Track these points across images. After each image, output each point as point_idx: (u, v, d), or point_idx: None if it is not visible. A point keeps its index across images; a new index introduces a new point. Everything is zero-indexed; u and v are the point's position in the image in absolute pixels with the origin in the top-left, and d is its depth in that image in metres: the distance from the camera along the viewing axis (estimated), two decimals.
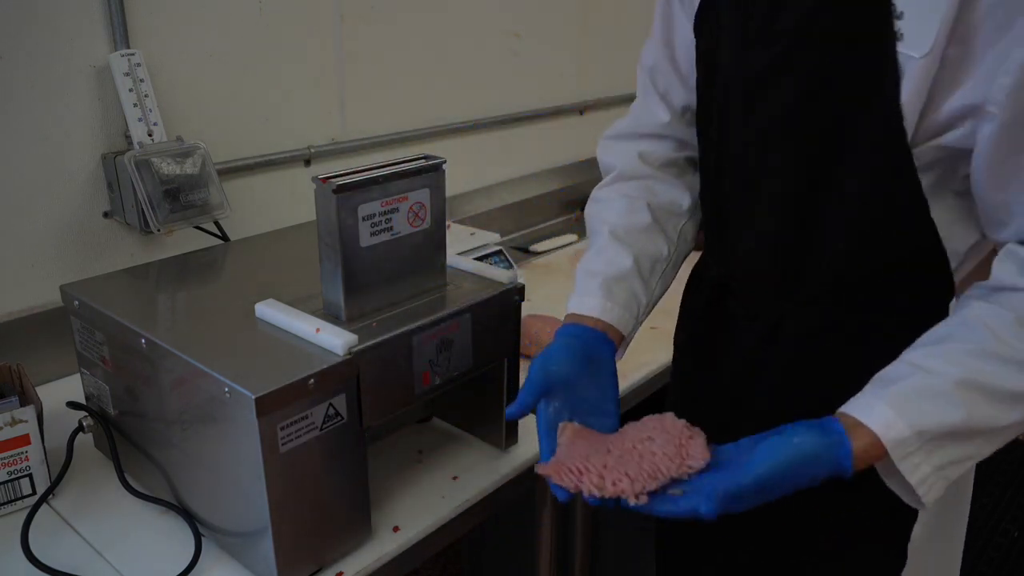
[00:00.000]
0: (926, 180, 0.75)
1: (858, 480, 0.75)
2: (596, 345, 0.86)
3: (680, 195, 0.99)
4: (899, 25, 0.70)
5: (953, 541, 0.97)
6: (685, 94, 0.97)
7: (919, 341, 0.74)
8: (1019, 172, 0.70)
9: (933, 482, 0.69)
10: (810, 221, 0.81)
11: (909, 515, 0.84)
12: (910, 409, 0.68)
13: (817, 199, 0.80)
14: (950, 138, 0.72)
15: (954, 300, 0.82)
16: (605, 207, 0.99)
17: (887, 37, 0.70)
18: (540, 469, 0.77)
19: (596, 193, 1.02)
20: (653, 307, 0.97)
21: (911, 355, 0.72)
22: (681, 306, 1.05)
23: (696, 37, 0.89)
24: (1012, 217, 0.73)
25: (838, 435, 0.68)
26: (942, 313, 0.80)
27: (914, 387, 0.69)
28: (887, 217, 0.77)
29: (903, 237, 0.78)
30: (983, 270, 0.79)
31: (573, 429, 0.80)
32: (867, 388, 0.72)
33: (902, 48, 0.70)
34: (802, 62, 0.77)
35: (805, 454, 0.68)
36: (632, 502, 0.70)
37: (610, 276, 0.91)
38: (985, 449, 0.70)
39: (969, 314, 0.72)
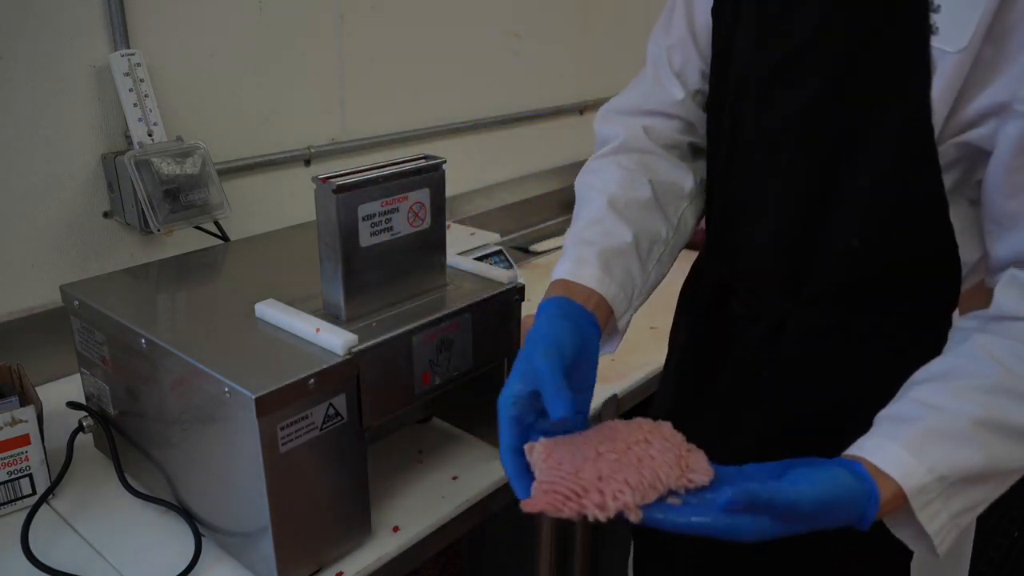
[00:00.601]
0: (946, 182, 0.74)
1: None
2: (589, 330, 0.77)
3: (683, 176, 0.93)
4: (934, 19, 0.69)
5: (960, 556, 0.94)
6: (701, 75, 0.94)
7: (920, 376, 0.70)
8: None
9: (949, 531, 0.65)
10: (819, 220, 0.80)
11: None
12: (929, 452, 0.63)
13: (829, 197, 0.78)
14: (974, 135, 0.71)
15: (956, 311, 0.80)
16: (601, 177, 0.91)
17: (922, 30, 0.69)
18: (529, 507, 0.63)
19: (591, 163, 0.95)
20: (646, 297, 0.89)
21: (918, 393, 0.68)
22: (678, 305, 1.05)
23: (714, 20, 0.88)
24: (1014, 229, 0.71)
25: (869, 483, 0.63)
26: (945, 319, 0.79)
27: (930, 428, 0.64)
28: (902, 217, 0.76)
29: (917, 238, 0.77)
30: (985, 290, 0.77)
31: (543, 444, 0.68)
32: (877, 428, 0.68)
33: (936, 42, 0.69)
34: (823, 56, 0.75)
35: (841, 496, 0.62)
36: (632, 518, 0.62)
37: (607, 249, 0.83)
38: (997, 492, 0.67)
39: (973, 346, 0.69)
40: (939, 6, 0.68)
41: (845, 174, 0.77)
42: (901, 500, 0.63)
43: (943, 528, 0.65)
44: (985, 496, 0.67)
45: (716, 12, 0.87)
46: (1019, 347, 0.67)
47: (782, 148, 0.81)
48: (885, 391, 0.71)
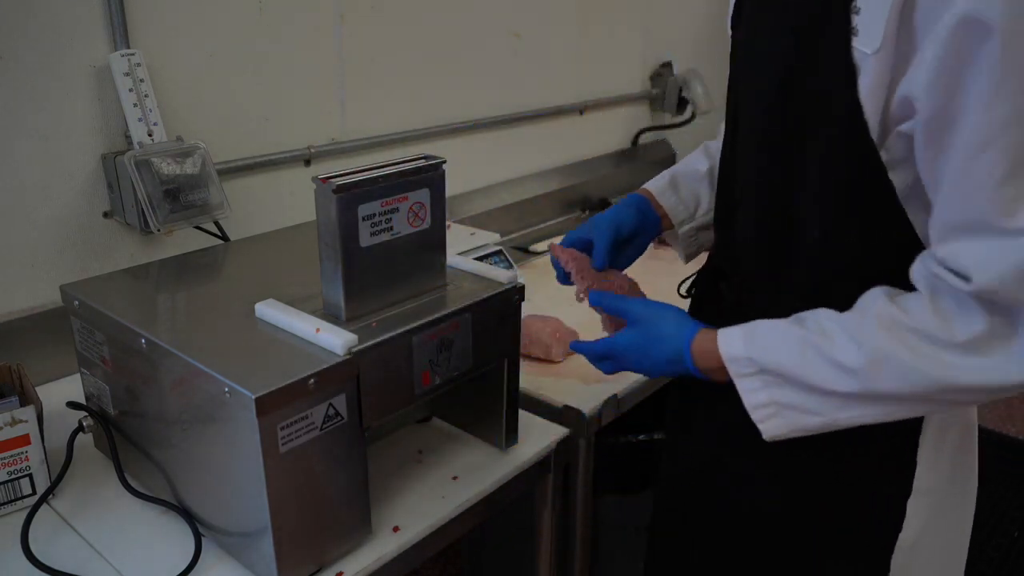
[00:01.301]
0: (901, 176, 0.75)
1: (836, 485, 0.85)
2: (650, 219, 1.05)
3: None
4: (855, 21, 0.70)
5: (952, 553, 0.96)
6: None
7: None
8: (935, 171, 0.70)
9: (772, 414, 0.79)
10: (789, 214, 0.82)
11: (891, 526, 0.85)
12: (754, 339, 0.80)
13: (793, 192, 0.81)
14: (906, 127, 0.72)
15: None
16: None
17: (844, 32, 0.71)
18: (557, 250, 1.01)
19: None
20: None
21: (800, 313, 0.80)
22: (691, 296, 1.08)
23: (731, 32, 0.92)
24: (933, 216, 0.73)
25: (693, 324, 0.86)
26: None
27: (769, 327, 0.80)
28: (853, 211, 0.78)
29: (872, 232, 0.79)
30: None
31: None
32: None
33: (856, 44, 0.70)
34: (775, 58, 0.79)
35: (662, 317, 0.88)
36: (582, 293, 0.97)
37: (679, 172, 1.06)
38: (830, 411, 0.77)
39: (864, 295, 0.78)
40: (859, 8, 0.70)
41: (803, 170, 0.80)
42: (716, 356, 0.81)
43: (763, 407, 0.80)
44: (814, 407, 0.77)
45: (733, 22, 0.91)
46: (874, 307, 0.75)
47: (758, 147, 0.85)
48: None
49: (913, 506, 0.84)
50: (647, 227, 1.05)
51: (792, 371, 0.77)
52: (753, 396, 0.80)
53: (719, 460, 0.96)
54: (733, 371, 0.80)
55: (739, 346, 0.80)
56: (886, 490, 0.85)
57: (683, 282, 1.07)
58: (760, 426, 0.80)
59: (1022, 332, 0.68)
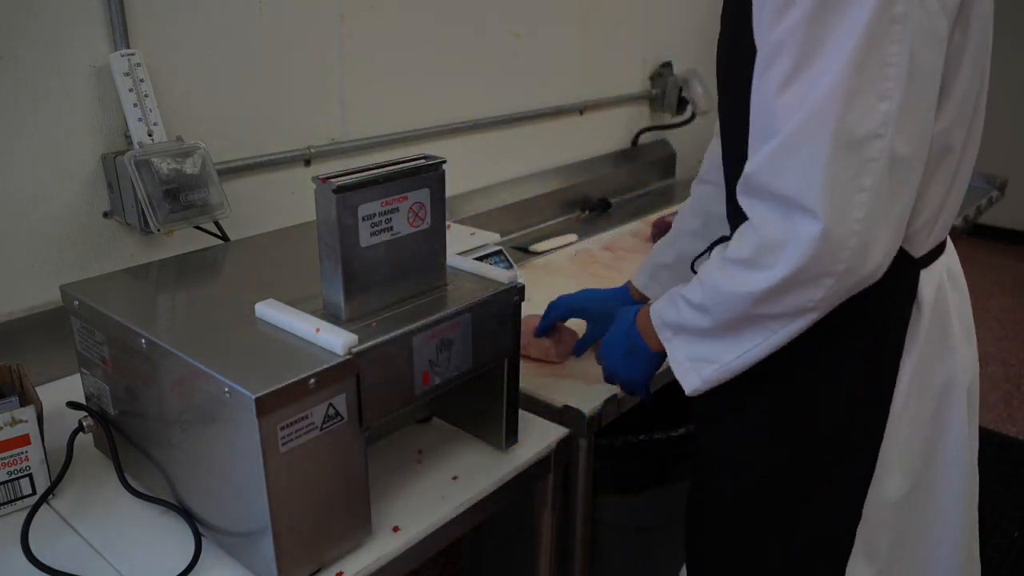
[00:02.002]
0: None
1: (811, 431, 0.91)
2: (620, 305, 1.13)
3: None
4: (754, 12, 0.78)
5: (945, 527, 0.98)
6: None
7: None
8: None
9: (687, 369, 0.90)
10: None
11: (862, 475, 0.90)
12: (660, 305, 0.94)
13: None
14: None
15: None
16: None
17: (749, 25, 0.79)
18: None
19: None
20: None
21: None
22: None
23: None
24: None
25: (637, 306, 1.04)
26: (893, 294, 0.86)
27: (672, 292, 0.93)
28: None
29: None
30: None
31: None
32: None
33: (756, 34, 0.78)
34: (720, 52, 0.89)
35: (625, 311, 1.05)
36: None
37: (658, 264, 1.22)
38: (718, 355, 0.87)
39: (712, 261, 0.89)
40: (751, 2, 0.78)
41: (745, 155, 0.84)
42: (649, 322, 0.96)
43: (680, 364, 0.91)
44: (707, 353, 0.88)
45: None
46: (718, 257, 0.86)
47: (722, 136, 0.95)
48: (841, 356, 0.87)
49: (888, 462, 0.89)
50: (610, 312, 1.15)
51: (677, 321, 0.90)
52: (673, 355, 0.92)
53: (699, 417, 1.03)
54: (663, 337, 0.93)
55: (654, 309, 0.95)
56: (857, 439, 0.90)
57: (695, 260, 1.13)
58: (681, 382, 0.91)
59: (792, 242, 0.76)
